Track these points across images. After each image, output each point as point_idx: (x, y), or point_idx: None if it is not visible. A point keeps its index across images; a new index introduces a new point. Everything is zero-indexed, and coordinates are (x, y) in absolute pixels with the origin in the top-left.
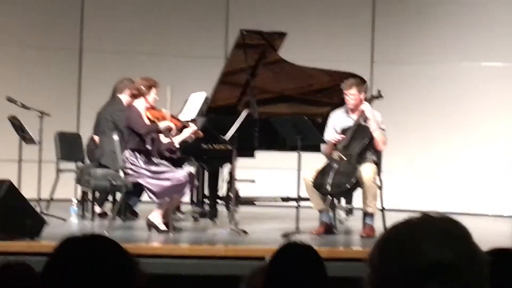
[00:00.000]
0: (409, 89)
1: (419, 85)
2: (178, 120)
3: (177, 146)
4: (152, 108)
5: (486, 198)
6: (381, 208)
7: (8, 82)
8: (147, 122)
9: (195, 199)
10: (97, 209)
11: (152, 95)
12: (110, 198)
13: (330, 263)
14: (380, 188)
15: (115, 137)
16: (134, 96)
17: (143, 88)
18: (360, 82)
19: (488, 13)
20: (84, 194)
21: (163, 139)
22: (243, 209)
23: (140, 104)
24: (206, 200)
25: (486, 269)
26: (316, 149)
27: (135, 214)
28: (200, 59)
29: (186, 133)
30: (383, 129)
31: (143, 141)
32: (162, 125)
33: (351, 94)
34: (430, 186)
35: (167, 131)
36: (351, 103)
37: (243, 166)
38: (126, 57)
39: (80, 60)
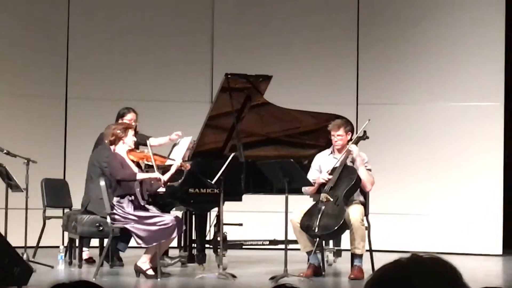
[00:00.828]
0: (395, 129)
1: (404, 125)
2: (162, 156)
3: (165, 183)
4: (133, 150)
5: (474, 237)
6: (369, 249)
7: None
8: (132, 165)
9: (182, 244)
10: (84, 255)
11: (130, 136)
12: (97, 243)
13: None
14: (368, 229)
15: (102, 183)
16: (113, 142)
17: (119, 132)
18: (346, 123)
19: (473, 53)
20: (71, 240)
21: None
22: (231, 253)
23: (122, 149)
24: (194, 245)
25: None
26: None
27: (120, 260)
28: (185, 103)
29: (174, 168)
30: (369, 170)
31: (130, 186)
32: (139, 176)
33: (339, 135)
34: (418, 226)
35: (155, 181)
36: (338, 144)
37: (231, 210)
38: (111, 103)
39: (66, 107)
